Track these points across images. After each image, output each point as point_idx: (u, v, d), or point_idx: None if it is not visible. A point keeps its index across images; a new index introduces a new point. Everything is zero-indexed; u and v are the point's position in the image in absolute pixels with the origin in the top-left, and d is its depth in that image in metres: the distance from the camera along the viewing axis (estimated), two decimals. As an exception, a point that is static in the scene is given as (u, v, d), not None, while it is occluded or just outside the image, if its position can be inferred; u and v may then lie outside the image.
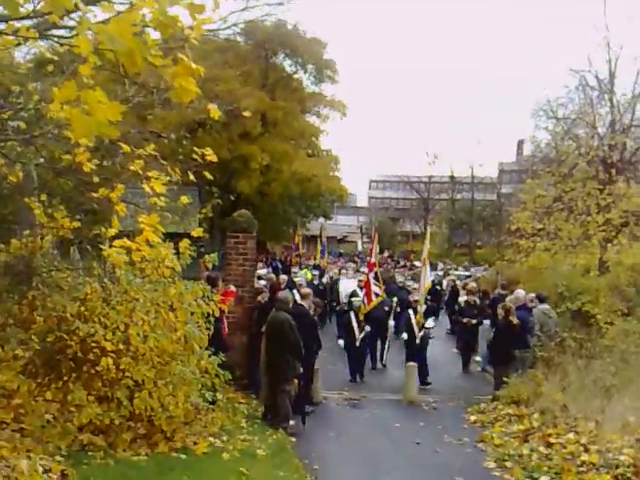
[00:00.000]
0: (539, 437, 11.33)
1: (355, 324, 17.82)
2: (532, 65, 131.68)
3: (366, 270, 21.15)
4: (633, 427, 10.22)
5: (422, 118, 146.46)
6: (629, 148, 24.83)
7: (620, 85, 27.17)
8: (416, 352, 17.17)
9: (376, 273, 19.49)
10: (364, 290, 19.10)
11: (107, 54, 4.37)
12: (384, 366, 19.34)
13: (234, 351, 13.87)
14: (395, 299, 21.11)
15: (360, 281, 22.23)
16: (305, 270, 29.43)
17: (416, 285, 21.55)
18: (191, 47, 4.62)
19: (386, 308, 19.77)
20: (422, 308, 17.73)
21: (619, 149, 24.37)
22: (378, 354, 19.53)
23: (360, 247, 34.61)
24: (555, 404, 12.25)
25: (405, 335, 17.72)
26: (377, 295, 18.97)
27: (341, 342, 18.19)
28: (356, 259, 47.41)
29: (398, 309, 20.96)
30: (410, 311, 17.90)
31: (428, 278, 19.43)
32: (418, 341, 17.37)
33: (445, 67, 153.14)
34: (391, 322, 20.10)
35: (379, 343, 19.60)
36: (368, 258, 22.00)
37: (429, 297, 21.39)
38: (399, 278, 26.62)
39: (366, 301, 18.43)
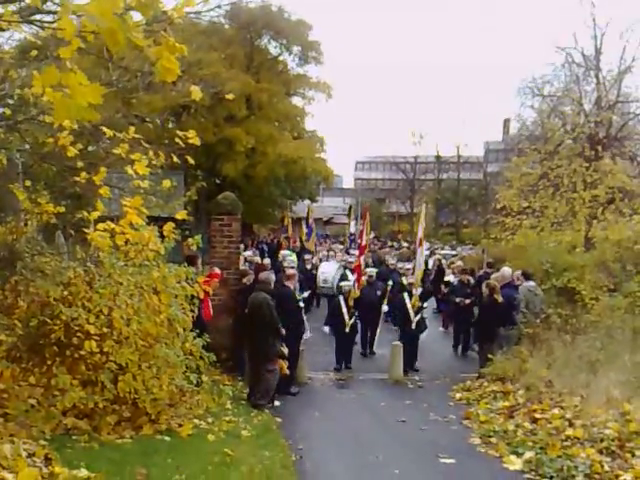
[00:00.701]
0: (524, 413, 11.41)
1: (344, 309, 16.77)
2: (519, 44, 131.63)
3: (357, 253, 19.96)
4: (618, 401, 10.28)
5: (407, 99, 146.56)
6: (615, 124, 24.93)
7: (606, 61, 27.22)
8: (411, 338, 16.64)
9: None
10: (355, 274, 18.31)
11: (90, 37, 4.34)
12: (373, 354, 18.33)
13: (220, 333, 13.86)
14: (390, 282, 19.22)
15: (350, 263, 21.30)
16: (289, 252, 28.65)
17: (408, 266, 21.34)
18: (174, 29, 4.60)
19: (378, 292, 18.50)
20: (418, 291, 17.08)
21: (605, 125, 24.46)
22: (375, 344, 18.45)
23: (353, 228, 34.27)
24: (540, 380, 12.31)
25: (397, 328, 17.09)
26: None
27: (326, 329, 17.26)
28: (346, 240, 46.49)
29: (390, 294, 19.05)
30: (405, 295, 17.15)
31: (423, 260, 18.68)
32: (414, 326, 16.73)
33: (430, 48, 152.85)
34: (385, 307, 18.56)
35: (369, 329, 18.53)
36: (359, 240, 20.81)
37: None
38: (390, 260, 25.24)
39: (357, 286, 17.63)
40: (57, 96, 4.18)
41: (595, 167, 22.73)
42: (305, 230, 32.49)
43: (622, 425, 9.47)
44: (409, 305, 16.88)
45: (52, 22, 7.11)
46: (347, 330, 16.65)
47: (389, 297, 18.54)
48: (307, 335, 16.24)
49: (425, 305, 17.46)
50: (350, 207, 32.10)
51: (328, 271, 21.08)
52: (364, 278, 18.42)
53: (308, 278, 21.94)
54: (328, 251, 30.63)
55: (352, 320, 16.78)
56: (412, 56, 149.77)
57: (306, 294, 19.62)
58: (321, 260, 26.94)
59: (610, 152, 24.06)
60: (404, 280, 18.32)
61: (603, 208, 22.47)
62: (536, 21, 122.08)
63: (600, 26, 24.71)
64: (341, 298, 17.02)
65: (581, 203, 22.54)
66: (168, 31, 4.47)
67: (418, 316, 16.82)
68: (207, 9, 12.53)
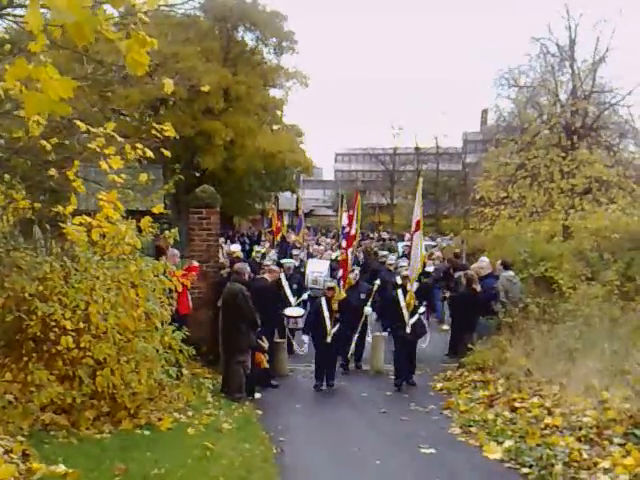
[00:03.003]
0: (504, 402, 11.46)
1: (326, 314, 14.11)
2: (495, 34, 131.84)
3: (344, 245, 16.58)
4: (596, 389, 10.32)
5: (386, 90, 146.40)
6: (591, 114, 25.02)
7: (581, 52, 27.34)
8: (406, 346, 14.21)
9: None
10: (340, 270, 15.72)
11: (57, 33, 4.31)
12: (358, 367, 15.75)
13: (200, 326, 13.88)
14: (377, 282, 16.20)
15: (334, 260, 19.77)
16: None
17: (402, 263, 18.13)
18: (145, 22, 4.58)
19: (362, 295, 15.56)
20: (413, 286, 14.22)
21: (581, 115, 24.55)
22: (351, 350, 15.29)
23: (345, 220, 33.22)
24: (519, 369, 12.36)
25: (386, 333, 14.84)
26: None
27: (305, 338, 15.45)
28: (339, 232, 44.52)
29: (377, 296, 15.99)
30: (399, 291, 14.32)
31: (421, 247, 15.22)
32: (409, 330, 14.04)
33: (407, 39, 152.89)
34: (367, 309, 15.54)
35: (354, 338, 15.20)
36: (347, 229, 17.23)
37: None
38: (389, 260, 21.00)
39: (342, 285, 15.09)
40: (26, 90, 4.16)
41: (572, 157, 22.85)
42: (287, 222, 32.34)
43: (600, 413, 9.52)
44: (403, 304, 14.13)
45: (22, 16, 7.07)
46: (328, 340, 14.06)
47: (374, 298, 15.72)
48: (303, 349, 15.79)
49: (422, 310, 14.71)
50: (342, 197, 29.71)
51: (318, 270, 18.33)
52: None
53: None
54: (318, 245, 29.44)
55: (335, 328, 14.10)
56: (390, 46, 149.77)
57: (306, 295, 16.95)
58: (309, 256, 24.14)
59: (586, 142, 24.19)
60: (398, 280, 14.87)
61: (580, 198, 22.58)
62: (512, 11, 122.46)
63: (574, 17, 24.80)
64: (323, 300, 14.40)
65: (559, 193, 22.66)
66: (139, 24, 4.44)
67: (414, 318, 14.18)
68: (181, 2, 12.45)
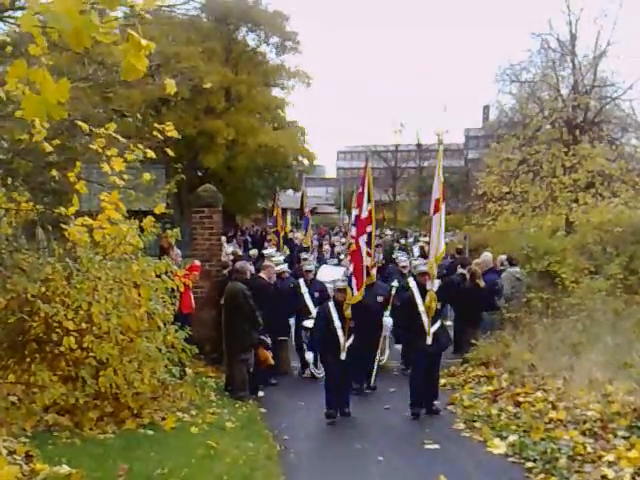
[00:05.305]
0: (508, 397, 11.43)
1: (337, 322, 11.21)
2: (497, 30, 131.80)
3: (354, 233, 12.99)
4: (600, 383, 10.31)
5: (388, 87, 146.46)
6: (592, 108, 25.02)
7: (581, 46, 27.30)
8: (427, 361, 11.44)
9: (369, 235, 12.44)
10: (351, 265, 12.03)
11: (54, 36, 4.30)
12: (372, 388, 13.36)
13: (203, 325, 13.92)
14: (395, 283, 13.77)
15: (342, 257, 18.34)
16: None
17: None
18: (143, 23, 4.56)
19: (379, 298, 13.43)
20: (435, 284, 11.35)
21: (583, 110, 24.56)
22: (374, 375, 13.26)
23: (354, 203, 30.91)
24: (523, 364, 12.35)
25: (399, 346, 12.85)
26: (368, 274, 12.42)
27: (309, 356, 13.51)
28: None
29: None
30: (414, 290, 11.57)
31: (442, 235, 11.54)
32: (430, 341, 11.19)
33: (409, 33, 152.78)
34: (388, 320, 13.50)
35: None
36: (356, 212, 13.23)
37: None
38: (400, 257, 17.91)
39: (355, 284, 11.42)
40: (27, 92, 4.16)
41: (574, 151, 22.84)
42: (289, 219, 32.12)
43: (604, 406, 9.50)
44: (421, 309, 11.28)
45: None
46: (343, 356, 11.17)
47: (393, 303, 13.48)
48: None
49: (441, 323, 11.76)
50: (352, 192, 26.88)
51: (332, 279, 14.29)
52: None
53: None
54: (332, 246, 27.21)
55: (350, 340, 11.20)
56: (391, 44, 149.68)
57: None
58: (320, 260, 21.90)
59: (588, 136, 24.17)
60: (410, 282, 12.05)
61: (583, 191, 22.57)
62: (514, 6, 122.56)
63: (574, 12, 24.80)
64: (331, 305, 11.55)
65: (561, 187, 22.67)
66: (137, 26, 4.43)
67: (436, 325, 11.44)
68: (181, 2, 12.50)
